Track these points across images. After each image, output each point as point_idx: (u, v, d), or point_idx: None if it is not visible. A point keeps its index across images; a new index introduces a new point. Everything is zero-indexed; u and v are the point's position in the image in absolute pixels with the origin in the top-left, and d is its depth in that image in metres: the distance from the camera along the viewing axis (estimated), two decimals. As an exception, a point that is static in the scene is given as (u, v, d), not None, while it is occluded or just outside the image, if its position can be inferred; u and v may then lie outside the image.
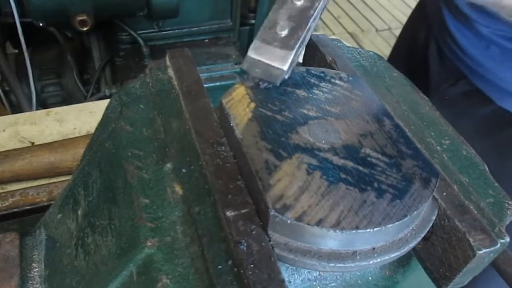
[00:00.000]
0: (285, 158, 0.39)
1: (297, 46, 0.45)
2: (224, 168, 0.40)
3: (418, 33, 0.99)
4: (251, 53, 0.45)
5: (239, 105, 0.43)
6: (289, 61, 0.44)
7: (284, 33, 0.45)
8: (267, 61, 0.45)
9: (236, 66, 1.45)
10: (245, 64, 0.46)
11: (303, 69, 0.49)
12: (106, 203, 0.44)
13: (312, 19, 0.46)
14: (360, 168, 0.39)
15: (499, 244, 0.38)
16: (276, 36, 0.45)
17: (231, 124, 0.42)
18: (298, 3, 0.47)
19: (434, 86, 0.94)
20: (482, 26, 0.81)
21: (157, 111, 0.47)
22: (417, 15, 1.05)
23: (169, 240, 0.37)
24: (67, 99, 1.55)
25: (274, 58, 0.44)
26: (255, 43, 0.45)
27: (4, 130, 0.92)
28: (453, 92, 0.90)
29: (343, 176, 0.38)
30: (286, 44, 0.45)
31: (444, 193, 0.41)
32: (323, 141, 0.41)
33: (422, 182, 0.39)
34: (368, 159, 0.40)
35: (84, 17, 1.18)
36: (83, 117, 0.97)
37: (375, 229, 0.35)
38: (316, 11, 0.47)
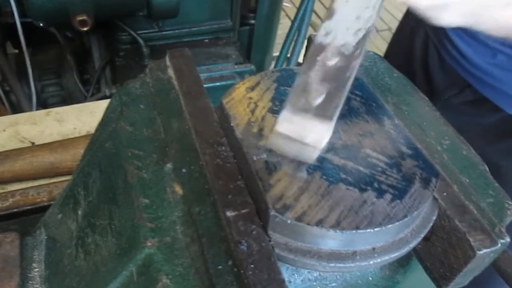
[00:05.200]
0: (285, 158, 0.39)
1: (335, 117, 0.38)
2: (224, 168, 0.40)
3: (415, 39, 0.97)
4: (280, 127, 0.38)
5: (239, 105, 0.43)
6: (327, 137, 0.38)
7: (318, 100, 0.38)
8: (299, 139, 0.37)
9: (236, 66, 1.45)
10: (272, 140, 0.38)
11: (303, 69, 0.49)
12: (106, 203, 0.44)
13: (349, 82, 0.39)
14: (360, 168, 0.39)
15: (499, 244, 0.38)
16: (309, 105, 0.38)
17: (231, 124, 0.42)
18: (331, 63, 0.39)
19: (437, 94, 0.92)
20: (484, 35, 0.79)
21: (157, 111, 0.47)
22: (412, 19, 1.02)
23: (169, 240, 0.37)
24: (67, 99, 1.55)
25: (309, 134, 0.37)
26: (284, 114, 0.38)
27: (4, 130, 0.92)
28: (459, 101, 0.88)
29: (343, 176, 0.38)
30: (322, 115, 0.37)
31: (444, 193, 0.41)
32: (323, 141, 0.41)
33: (422, 182, 0.39)
34: (368, 159, 0.40)
35: (84, 17, 1.18)
36: (83, 117, 0.97)
37: (375, 229, 0.35)
38: (354, 71, 0.39)
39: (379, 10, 0.41)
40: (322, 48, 0.40)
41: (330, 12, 0.41)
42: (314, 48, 0.40)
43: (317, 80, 0.39)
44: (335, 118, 0.38)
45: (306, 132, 0.37)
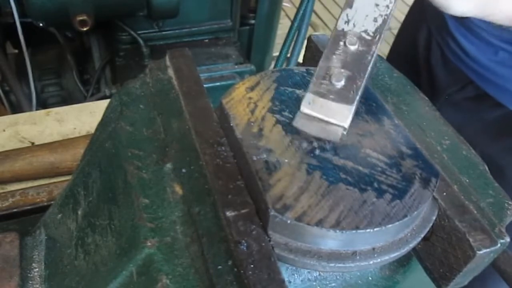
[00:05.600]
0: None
1: (357, 99, 0.40)
2: (224, 168, 0.40)
3: (418, 36, 0.97)
4: (304, 108, 0.40)
5: (239, 105, 0.43)
6: (350, 117, 0.39)
7: (340, 84, 0.40)
8: (324, 118, 0.39)
9: (236, 66, 1.45)
10: (298, 121, 0.40)
11: (303, 69, 0.49)
12: (106, 203, 0.44)
13: (370, 66, 0.41)
14: (360, 168, 0.39)
15: (499, 244, 0.38)
16: (332, 88, 0.40)
17: (231, 124, 0.42)
18: (353, 48, 0.41)
19: (440, 91, 0.92)
20: (486, 32, 0.79)
21: (157, 111, 0.47)
22: (415, 17, 1.03)
23: (169, 240, 0.37)
24: (67, 99, 1.55)
25: (333, 113, 0.39)
26: (307, 96, 0.40)
27: (4, 130, 0.92)
28: (461, 97, 0.88)
29: (343, 176, 0.38)
30: (344, 97, 0.40)
31: (444, 193, 0.41)
32: (323, 141, 0.41)
33: (422, 182, 0.39)
34: (368, 159, 0.40)
35: (84, 17, 1.18)
36: (83, 117, 0.97)
37: (375, 229, 0.35)
38: (374, 56, 0.41)
39: None
40: (342, 34, 0.42)
41: (349, 1, 0.43)
42: (335, 34, 0.42)
43: (339, 64, 0.41)
44: (357, 99, 0.40)
45: (331, 113, 0.39)
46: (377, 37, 0.42)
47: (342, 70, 0.41)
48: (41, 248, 0.52)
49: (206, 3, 1.49)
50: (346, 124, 0.39)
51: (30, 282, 0.49)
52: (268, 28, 1.70)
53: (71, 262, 0.46)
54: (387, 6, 0.42)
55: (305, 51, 0.59)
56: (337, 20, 0.43)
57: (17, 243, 0.50)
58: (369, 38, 0.42)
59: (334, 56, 0.41)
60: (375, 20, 0.42)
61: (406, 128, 0.45)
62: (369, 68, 0.41)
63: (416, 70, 0.97)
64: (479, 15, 0.53)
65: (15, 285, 0.47)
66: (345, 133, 0.40)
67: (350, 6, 0.42)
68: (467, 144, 0.48)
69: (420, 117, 0.50)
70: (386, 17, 0.42)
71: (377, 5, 0.42)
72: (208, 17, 1.52)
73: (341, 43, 0.41)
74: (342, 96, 0.40)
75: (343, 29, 0.42)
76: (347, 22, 0.42)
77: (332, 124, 0.39)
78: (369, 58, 0.41)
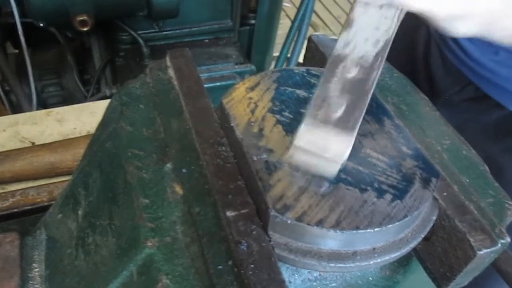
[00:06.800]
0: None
1: (356, 130, 0.37)
2: (224, 168, 0.40)
3: (417, 36, 0.97)
4: (299, 142, 0.37)
5: (239, 105, 0.43)
6: (348, 151, 0.36)
7: (338, 113, 0.37)
8: (320, 153, 0.36)
9: (236, 66, 1.45)
10: (291, 155, 0.37)
11: (303, 69, 0.49)
12: (106, 203, 0.44)
13: (370, 93, 0.38)
14: (361, 168, 0.39)
15: (499, 245, 0.38)
16: (329, 118, 0.37)
17: (231, 124, 0.42)
18: (351, 75, 0.38)
19: (439, 92, 0.92)
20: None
21: (158, 111, 0.47)
22: (414, 16, 1.02)
23: (169, 240, 0.37)
24: (68, 99, 1.55)
25: (329, 147, 0.36)
26: (303, 128, 0.37)
27: (4, 130, 0.92)
28: (460, 98, 0.88)
29: (343, 176, 0.38)
30: (342, 128, 0.37)
31: (445, 193, 0.41)
32: (323, 141, 0.41)
33: (422, 182, 0.39)
34: (369, 159, 0.40)
35: (84, 17, 1.18)
36: (84, 117, 0.97)
37: (375, 229, 0.35)
38: (374, 82, 0.38)
39: (398, 20, 0.40)
40: (341, 59, 0.39)
41: (348, 23, 0.40)
42: (332, 60, 0.39)
43: (337, 92, 0.38)
44: (355, 130, 0.37)
45: (327, 146, 0.36)
46: (378, 63, 0.39)
47: (340, 100, 0.38)
48: (42, 248, 0.52)
49: (206, 3, 1.49)
50: (343, 159, 0.37)
51: (30, 282, 0.49)
52: (269, 28, 1.70)
53: (72, 262, 0.46)
54: (387, 31, 0.40)
55: (306, 51, 0.59)
56: (335, 42, 0.40)
57: (17, 243, 0.50)
58: (368, 64, 0.39)
59: (331, 84, 0.38)
60: (375, 44, 0.39)
61: (406, 128, 0.45)
62: (368, 96, 0.38)
63: (415, 71, 0.97)
64: (480, 36, 0.52)
65: (15, 285, 0.47)
66: (342, 168, 0.37)
67: (349, 29, 0.40)
68: (467, 144, 0.48)
69: (420, 117, 0.50)
70: (387, 41, 0.39)
71: (377, 28, 0.40)
72: (208, 17, 1.52)
73: (339, 69, 0.39)
74: (339, 128, 0.37)
75: (341, 53, 0.39)
76: (346, 45, 0.39)
77: (328, 159, 0.36)
78: (369, 85, 0.38)
